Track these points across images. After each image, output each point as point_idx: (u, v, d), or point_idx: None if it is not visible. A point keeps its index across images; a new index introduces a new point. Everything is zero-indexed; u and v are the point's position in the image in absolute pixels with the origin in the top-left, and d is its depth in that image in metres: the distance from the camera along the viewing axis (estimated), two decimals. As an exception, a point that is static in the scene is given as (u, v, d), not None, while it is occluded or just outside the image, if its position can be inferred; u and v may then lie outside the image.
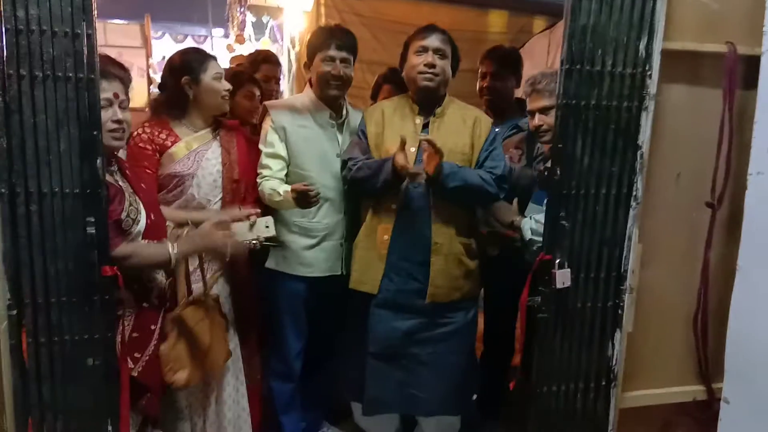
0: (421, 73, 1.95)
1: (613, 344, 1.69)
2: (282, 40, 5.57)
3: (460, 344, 2.08)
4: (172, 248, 1.52)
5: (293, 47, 5.21)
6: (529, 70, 5.04)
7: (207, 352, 1.71)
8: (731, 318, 1.74)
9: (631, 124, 1.58)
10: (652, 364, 1.78)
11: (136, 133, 1.80)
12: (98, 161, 1.34)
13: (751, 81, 1.62)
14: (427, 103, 2.04)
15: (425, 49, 1.95)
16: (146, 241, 1.54)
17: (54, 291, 1.35)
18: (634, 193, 1.61)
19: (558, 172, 1.54)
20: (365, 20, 5.03)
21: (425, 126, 2.02)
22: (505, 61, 2.54)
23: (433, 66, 1.94)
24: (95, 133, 1.33)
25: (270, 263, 2.09)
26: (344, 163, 2.04)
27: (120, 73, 1.48)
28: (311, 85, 2.10)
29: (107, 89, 1.42)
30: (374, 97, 2.78)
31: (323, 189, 1.98)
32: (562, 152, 1.55)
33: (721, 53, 1.63)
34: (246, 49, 5.94)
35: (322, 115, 2.08)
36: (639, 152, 1.59)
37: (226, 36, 7.17)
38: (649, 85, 1.57)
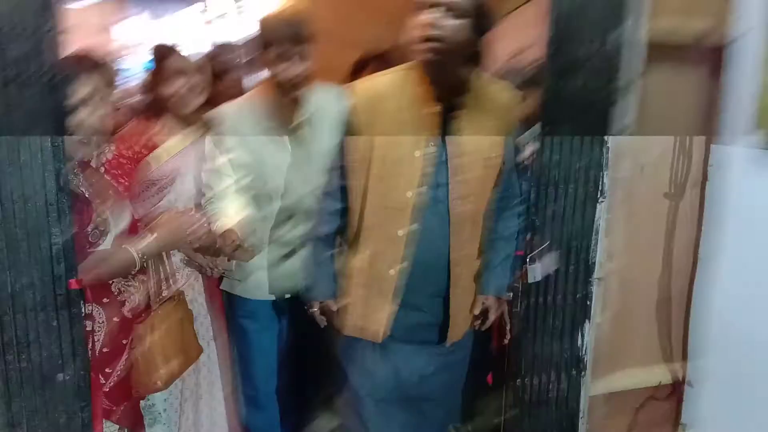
0: (419, 41, 1.37)
1: (582, 334, 1.74)
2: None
3: (469, 366, 1.77)
4: (134, 249, 1.48)
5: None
6: (504, 48, 5.04)
7: (181, 350, 1.68)
8: (694, 306, 1.82)
9: (600, 118, 1.62)
10: (621, 351, 1.85)
11: (116, 139, 1.69)
12: (64, 169, 1.29)
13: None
14: (443, 82, 1.44)
15: (424, 4, 1.36)
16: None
17: (20, 306, 1.31)
18: (600, 187, 1.65)
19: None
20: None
21: (449, 118, 1.47)
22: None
23: (435, 27, 1.33)
24: (61, 140, 1.29)
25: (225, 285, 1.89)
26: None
27: (96, 68, 1.40)
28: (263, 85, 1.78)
29: (81, 88, 1.35)
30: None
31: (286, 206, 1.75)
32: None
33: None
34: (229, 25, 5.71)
35: (277, 118, 1.76)
36: (605, 147, 1.63)
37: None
38: (620, 79, 1.61)
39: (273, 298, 1.85)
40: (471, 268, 1.60)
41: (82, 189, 1.42)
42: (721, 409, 1.73)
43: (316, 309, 1.63)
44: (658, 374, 1.90)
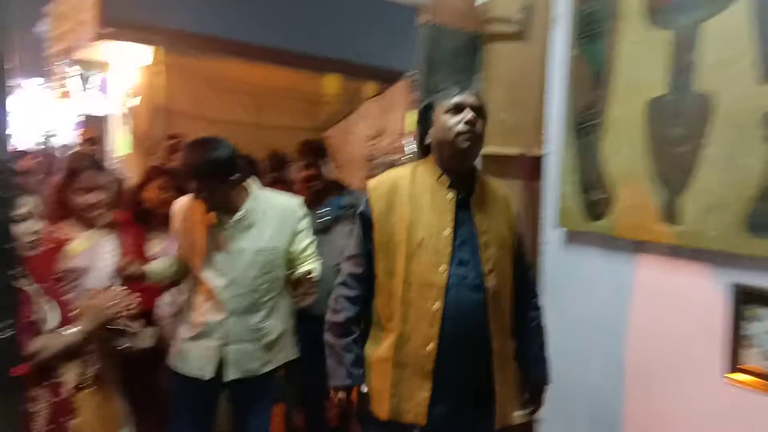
0: (461, 133, 1.56)
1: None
2: (107, 92, 5.50)
3: None
4: (75, 328, 1.63)
5: (126, 102, 5.19)
6: (363, 131, 5.56)
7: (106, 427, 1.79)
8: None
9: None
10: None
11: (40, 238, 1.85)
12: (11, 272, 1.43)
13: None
14: (460, 173, 1.64)
15: (461, 107, 1.58)
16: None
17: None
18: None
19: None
20: (203, 79, 5.22)
21: (460, 204, 1.62)
22: (320, 151, 2.71)
23: (474, 124, 1.57)
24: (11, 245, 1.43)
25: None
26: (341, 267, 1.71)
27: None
28: None
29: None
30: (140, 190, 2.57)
31: (209, 289, 1.99)
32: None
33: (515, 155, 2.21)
34: (73, 103, 5.73)
35: (211, 216, 2.04)
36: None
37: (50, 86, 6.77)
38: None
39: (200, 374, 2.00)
40: (509, 344, 1.65)
41: (25, 283, 1.57)
42: None
43: (342, 396, 1.61)
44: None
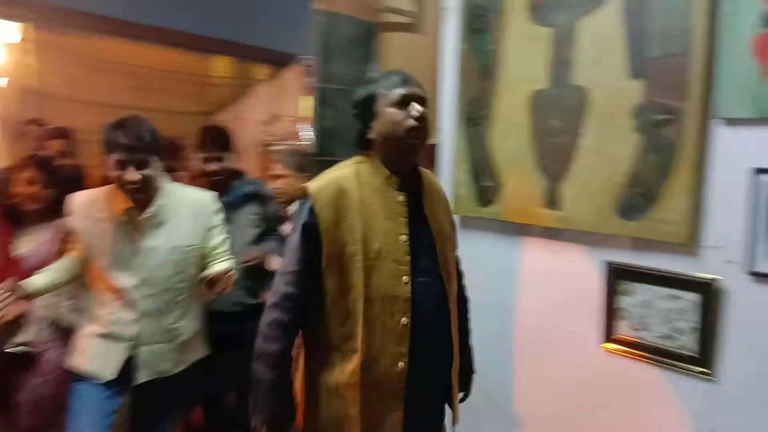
0: (411, 129, 1.44)
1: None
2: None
3: None
4: None
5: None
6: (255, 115, 5.43)
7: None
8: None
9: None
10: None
11: None
12: None
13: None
14: (406, 172, 1.52)
15: (407, 100, 1.45)
16: None
17: None
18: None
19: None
20: (79, 59, 4.83)
21: (410, 205, 1.50)
22: (224, 141, 2.51)
23: (423, 119, 1.45)
24: None
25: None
26: (272, 285, 1.49)
27: None
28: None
29: None
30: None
31: (117, 289, 1.86)
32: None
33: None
34: None
35: (120, 210, 1.89)
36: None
37: None
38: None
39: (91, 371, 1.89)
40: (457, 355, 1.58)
41: None
42: None
43: None
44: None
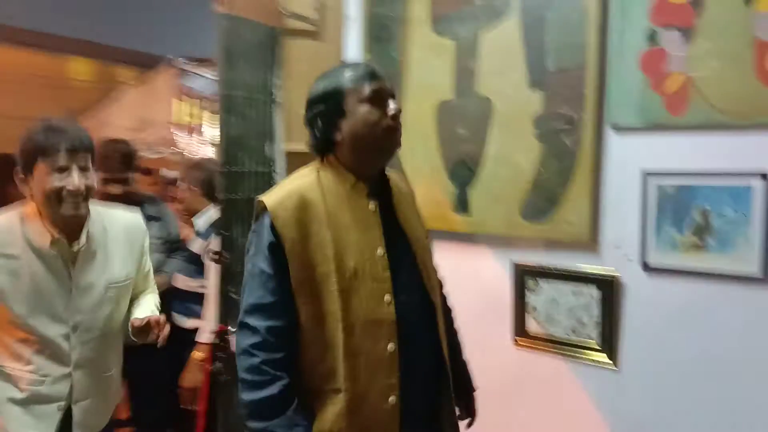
0: (389, 130, 1.27)
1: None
2: None
3: None
4: None
5: None
6: (122, 121, 5.04)
7: None
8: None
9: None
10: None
11: None
12: None
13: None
14: (374, 176, 1.34)
15: (380, 96, 1.27)
16: None
17: None
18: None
19: (226, 255, 1.85)
20: None
21: (381, 213, 1.31)
22: (129, 161, 2.31)
23: (399, 118, 1.29)
24: None
25: None
26: (242, 324, 1.23)
27: None
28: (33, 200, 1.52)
29: None
30: None
31: (41, 339, 1.50)
32: (227, 239, 1.86)
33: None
34: None
35: (45, 242, 1.51)
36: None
37: None
38: (275, 179, 2.03)
39: None
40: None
41: None
42: None
43: None
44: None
